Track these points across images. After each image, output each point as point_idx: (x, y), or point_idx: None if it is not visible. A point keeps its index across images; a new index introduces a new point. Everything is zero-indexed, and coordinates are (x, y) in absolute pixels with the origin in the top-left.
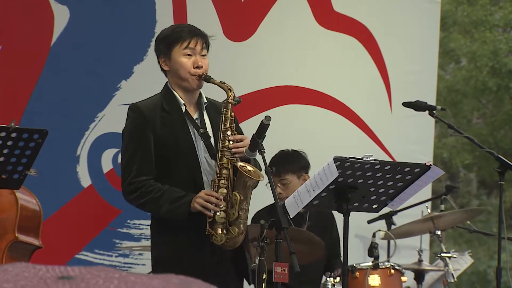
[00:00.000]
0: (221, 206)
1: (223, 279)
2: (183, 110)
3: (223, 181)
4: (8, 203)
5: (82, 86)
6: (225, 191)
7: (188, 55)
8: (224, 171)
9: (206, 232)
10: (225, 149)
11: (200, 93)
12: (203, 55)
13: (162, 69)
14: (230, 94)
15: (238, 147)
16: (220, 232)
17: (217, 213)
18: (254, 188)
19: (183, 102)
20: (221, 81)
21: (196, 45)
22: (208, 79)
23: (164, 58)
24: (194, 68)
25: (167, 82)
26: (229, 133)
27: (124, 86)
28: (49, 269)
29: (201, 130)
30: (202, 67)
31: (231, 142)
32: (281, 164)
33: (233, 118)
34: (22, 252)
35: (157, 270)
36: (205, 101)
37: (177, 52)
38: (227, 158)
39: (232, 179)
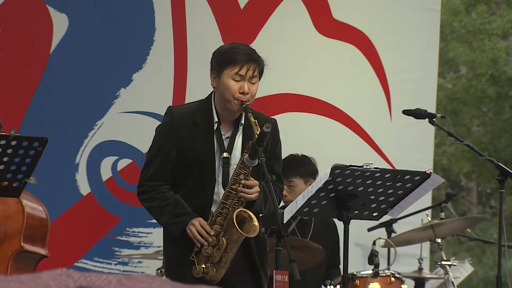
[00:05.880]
0: (210, 241)
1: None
2: (214, 128)
3: (220, 219)
4: (14, 212)
5: (81, 94)
6: (219, 228)
7: (237, 80)
8: (225, 210)
9: (190, 258)
10: (232, 191)
11: (241, 113)
12: (253, 82)
13: (212, 84)
14: (255, 137)
15: (246, 193)
16: (203, 265)
17: (204, 247)
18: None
19: (216, 119)
20: (255, 121)
21: (248, 71)
22: (246, 110)
23: (214, 75)
24: (239, 93)
25: (213, 92)
26: (241, 176)
27: (123, 94)
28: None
29: (224, 154)
30: (248, 93)
31: (241, 186)
32: (290, 167)
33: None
34: (28, 262)
35: (168, 276)
36: (242, 122)
37: (227, 74)
38: (231, 200)
39: (229, 219)
